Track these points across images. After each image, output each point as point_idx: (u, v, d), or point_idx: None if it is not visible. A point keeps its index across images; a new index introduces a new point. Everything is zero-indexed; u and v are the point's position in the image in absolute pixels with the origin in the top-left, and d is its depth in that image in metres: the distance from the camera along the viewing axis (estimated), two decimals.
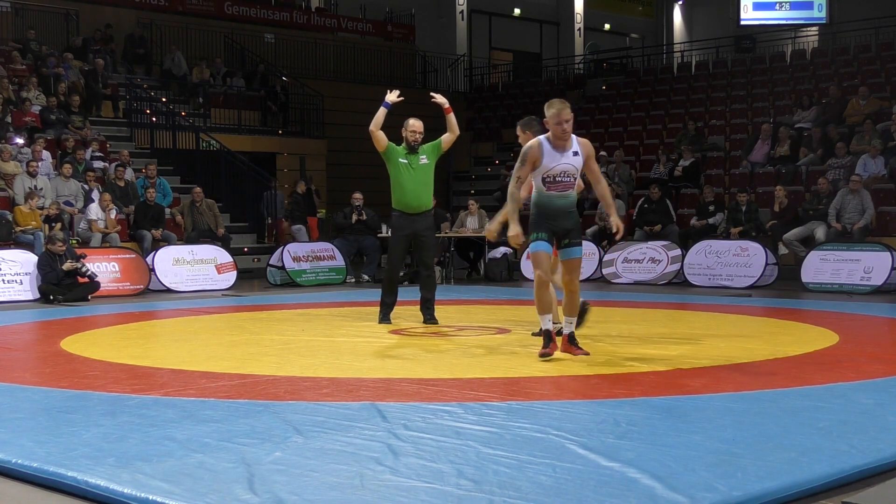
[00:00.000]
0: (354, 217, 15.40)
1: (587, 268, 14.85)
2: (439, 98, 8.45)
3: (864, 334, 8.45)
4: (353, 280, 15.01)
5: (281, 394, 5.43)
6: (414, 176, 8.75)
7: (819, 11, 26.83)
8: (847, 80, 19.25)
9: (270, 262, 14.86)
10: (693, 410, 4.83)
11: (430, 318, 8.71)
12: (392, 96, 8.67)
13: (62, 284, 11.95)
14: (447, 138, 8.85)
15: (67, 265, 11.92)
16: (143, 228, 14.76)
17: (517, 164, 6.59)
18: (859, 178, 13.90)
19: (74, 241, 13.62)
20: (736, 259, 13.30)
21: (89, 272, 12.20)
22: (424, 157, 8.79)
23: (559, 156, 6.44)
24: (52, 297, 11.85)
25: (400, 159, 8.78)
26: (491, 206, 18.46)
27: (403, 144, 8.81)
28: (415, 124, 8.84)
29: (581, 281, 15.98)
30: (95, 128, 17.70)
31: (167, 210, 15.57)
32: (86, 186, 15.07)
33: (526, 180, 6.67)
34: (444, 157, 9.59)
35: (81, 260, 12.18)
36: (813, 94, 18.35)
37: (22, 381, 6.06)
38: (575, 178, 6.55)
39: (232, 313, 10.82)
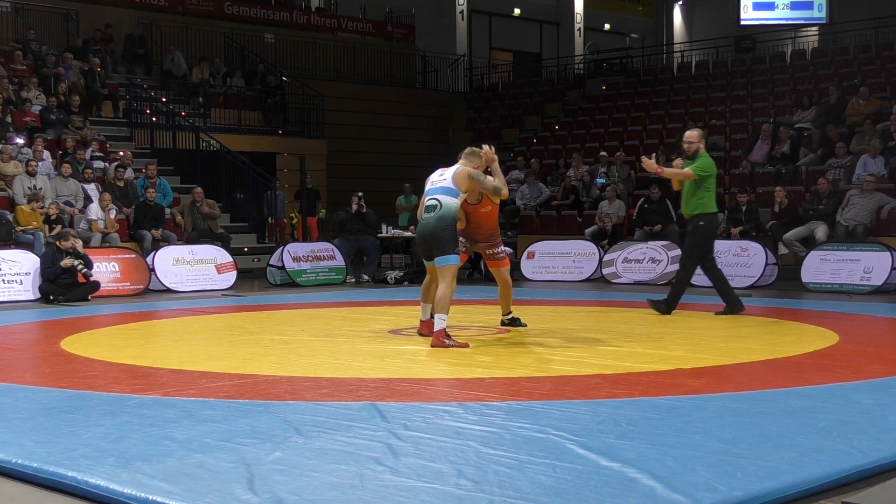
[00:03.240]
0: (354, 207, 15.41)
1: (587, 268, 14.88)
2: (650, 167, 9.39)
3: (864, 334, 8.45)
4: (353, 280, 15.00)
5: (281, 394, 5.43)
6: (686, 183, 9.39)
7: (819, 11, 26.81)
8: (847, 80, 19.24)
9: (270, 262, 14.86)
10: (693, 410, 4.83)
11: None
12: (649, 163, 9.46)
13: (60, 283, 11.92)
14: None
15: (66, 261, 11.89)
16: (143, 228, 14.76)
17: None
18: (874, 179, 13.92)
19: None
20: (736, 259, 13.29)
21: (84, 269, 12.07)
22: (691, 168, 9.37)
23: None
24: (52, 297, 11.84)
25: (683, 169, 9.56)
26: None
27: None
28: (687, 135, 9.52)
29: (581, 281, 16.04)
30: (95, 128, 17.69)
31: (167, 210, 15.57)
32: (85, 186, 15.07)
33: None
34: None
35: (81, 259, 12.13)
36: (813, 94, 18.35)
37: (22, 381, 6.06)
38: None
39: (232, 313, 10.82)
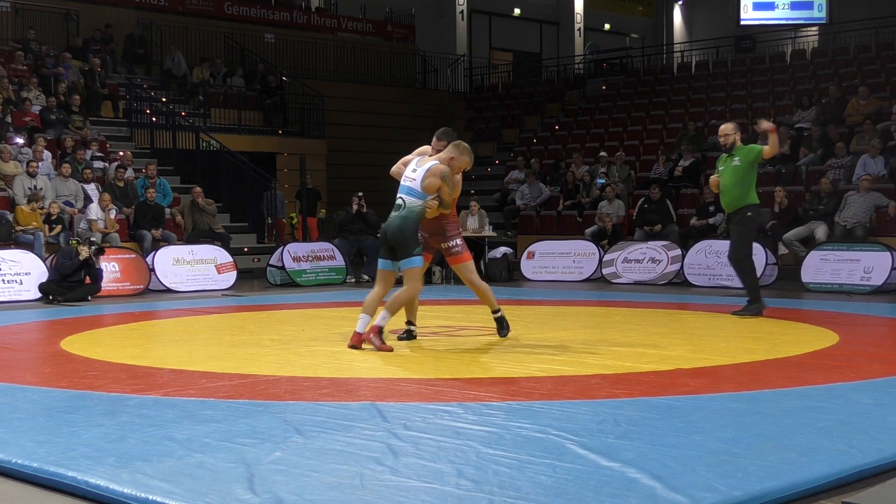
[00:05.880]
0: (355, 207, 15.41)
1: (587, 268, 14.88)
2: (764, 124, 9.27)
3: (864, 334, 8.45)
4: (353, 280, 15.00)
5: (281, 394, 5.43)
6: (725, 176, 9.27)
7: (819, 11, 26.82)
8: (847, 80, 19.25)
9: (270, 262, 14.86)
10: (693, 410, 4.83)
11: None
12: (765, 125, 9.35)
13: (63, 284, 11.91)
14: (766, 150, 9.28)
15: (84, 252, 11.86)
16: (143, 228, 14.76)
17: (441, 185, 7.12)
18: (869, 178, 13.91)
19: (74, 241, 13.62)
20: None
21: (95, 260, 12.09)
22: (738, 159, 9.21)
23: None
24: (51, 297, 11.85)
25: (719, 164, 9.46)
26: (491, 206, 18.47)
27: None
28: (722, 129, 9.46)
29: (581, 281, 16.03)
30: (95, 128, 17.69)
31: (167, 210, 15.57)
32: (85, 186, 15.07)
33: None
34: None
35: (98, 255, 12.14)
36: (813, 94, 18.35)
37: (22, 381, 6.06)
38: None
39: (232, 313, 10.82)
